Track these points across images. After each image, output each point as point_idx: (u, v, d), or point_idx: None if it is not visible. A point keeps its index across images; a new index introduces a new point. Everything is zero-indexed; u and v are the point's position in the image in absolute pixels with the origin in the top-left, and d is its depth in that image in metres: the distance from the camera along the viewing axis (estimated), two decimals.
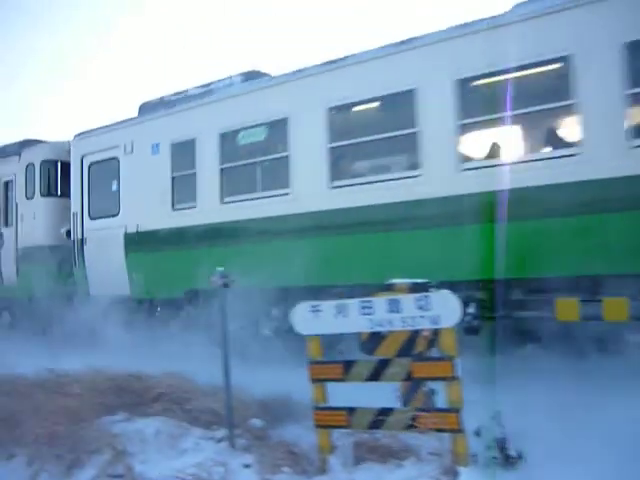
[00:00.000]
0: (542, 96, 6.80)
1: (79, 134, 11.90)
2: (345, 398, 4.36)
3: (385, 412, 4.13)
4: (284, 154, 8.73)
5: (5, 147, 13.48)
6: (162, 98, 10.92)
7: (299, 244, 8.24)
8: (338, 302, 4.17)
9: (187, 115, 10.10)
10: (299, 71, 8.85)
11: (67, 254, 11.59)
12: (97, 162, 11.36)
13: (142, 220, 10.44)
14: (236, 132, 9.32)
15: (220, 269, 4.54)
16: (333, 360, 4.34)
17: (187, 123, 10.01)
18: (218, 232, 9.34)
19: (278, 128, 8.86)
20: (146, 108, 11.04)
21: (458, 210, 7.01)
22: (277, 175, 8.90)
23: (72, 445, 4.90)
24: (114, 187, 10.97)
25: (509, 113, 6.80)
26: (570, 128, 6.81)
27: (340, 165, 8.34)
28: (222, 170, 9.42)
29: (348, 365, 4.26)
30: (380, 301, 4.07)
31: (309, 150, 8.44)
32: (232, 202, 9.31)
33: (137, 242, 10.49)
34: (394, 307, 4.02)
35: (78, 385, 6.32)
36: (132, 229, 10.55)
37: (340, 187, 8.15)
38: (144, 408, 5.62)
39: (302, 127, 8.57)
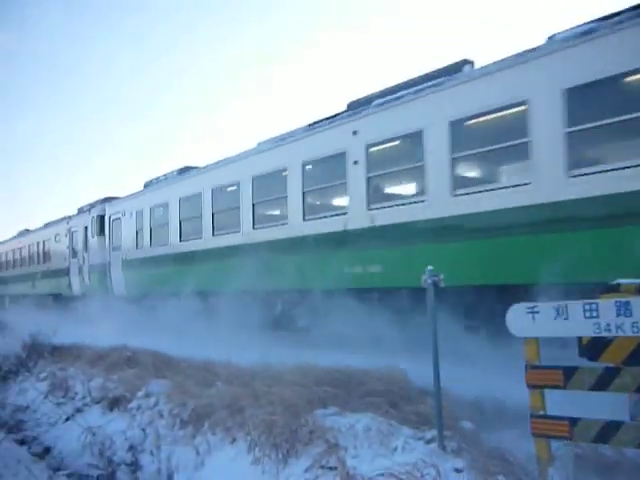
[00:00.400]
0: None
1: (110, 202, 20.24)
2: (565, 407, 4.06)
3: (613, 425, 3.76)
4: (165, 223, 16.61)
5: (89, 204, 21.70)
6: (151, 180, 18.47)
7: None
8: (558, 303, 3.88)
9: (139, 197, 18.31)
10: (165, 180, 17.39)
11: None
12: (114, 219, 19.60)
13: (127, 253, 18.68)
14: (154, 208, 17.36)
15: (429, 268, 4.45)
16: (552, 365, 4.04)
17: (139, 201, 18.14)
18: (150, 261, 17.14)
19: (166, 209, 16.61)
20: (146, 184, 18.77)
21: None
22: (165, 236, 16.72)
23: (288, 435, 5.14)
24: (119, 234, 19.15)
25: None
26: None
27: (187, 229, 15.86)
28: (150, 229, 17.54)
29: (569, 371, 3.94)
30: (607, 303, 3.72)
31: (174, 222, 16.28)
32: (155, 246, 17.21)
33: (125, 265, 18.73)
34: (624, 310, 3.65)
35: (292, 376, 6.63)
36: (124, 258, 18.79)
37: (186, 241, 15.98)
38: (354, 403, 5.73)
39: (173, 209, 16.29)
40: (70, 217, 23.00)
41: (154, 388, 7.55)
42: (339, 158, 10.72)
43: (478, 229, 8.55)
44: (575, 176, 7.47)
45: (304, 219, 11.66)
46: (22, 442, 7.77)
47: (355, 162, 10.34)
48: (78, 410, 8.07)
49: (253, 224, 13.15)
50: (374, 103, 10.36)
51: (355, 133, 10.37)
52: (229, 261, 13.53)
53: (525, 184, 8.09)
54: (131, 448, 6.37)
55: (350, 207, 10.68)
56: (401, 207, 9.82)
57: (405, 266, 9.28)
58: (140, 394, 7.51)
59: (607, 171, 7.24)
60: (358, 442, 4.88)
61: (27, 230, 28.23)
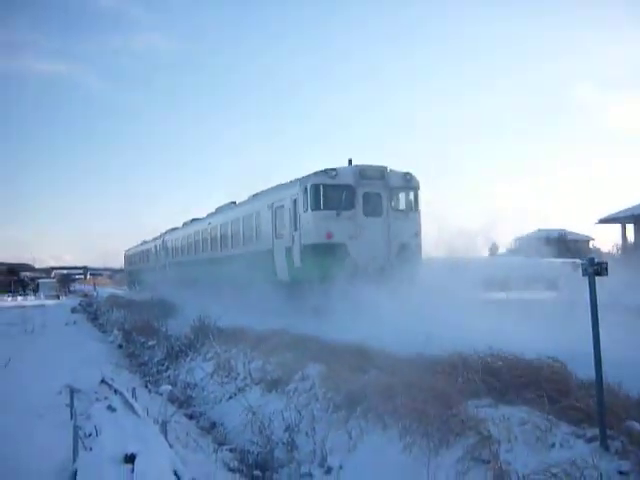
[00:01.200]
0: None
1: (166, 232, 38.88)
2: None
3: None
4: (179, 247, 35.50)
5: (166, 231, 39.23)
6: (185, 222, 34.86)
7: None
8: None
9: (172, 232, 37.05)
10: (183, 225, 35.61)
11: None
12: (167, 241, 37.70)
13: (170, 260, 36.94)
14: (174, 240, 36.40)
15: (591, 257, 4.17)
16: None
17: (172, 235, 37.02)
18: (177, 264, 35.08)
19: (178, 240, 35.41)
20: (183, 224, 35.60)
21: None
22: (177, 253, 36.76)
23: (439, 424, 5.09)
24: (167, 250, 37.71)
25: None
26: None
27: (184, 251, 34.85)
28: (173, 249, 36.98)
29: None
30: None
31: (179, 247, 35.95)
32: (174, 257, 36.32)
33: (170, 265, 36.30)
34: None
35: (448, 365, 6.56)
36: (169, 262, 36.82)
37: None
38: (510, 395, 5.55)
39: (178, 242, 35.94)
40: (156, 238, 41.51)
41: (310, 372, 7.80)
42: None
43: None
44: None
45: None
46: (190, 417, 8.40)
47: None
48: (240, 390, 8.55)
49: (214, 248, 26.62)
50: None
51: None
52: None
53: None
54: (288, 428, 6.63)
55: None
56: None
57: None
58: (297, 377, 7.79)
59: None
60: (512, 436, 4.72)
61: (145, 241, 47.44)
